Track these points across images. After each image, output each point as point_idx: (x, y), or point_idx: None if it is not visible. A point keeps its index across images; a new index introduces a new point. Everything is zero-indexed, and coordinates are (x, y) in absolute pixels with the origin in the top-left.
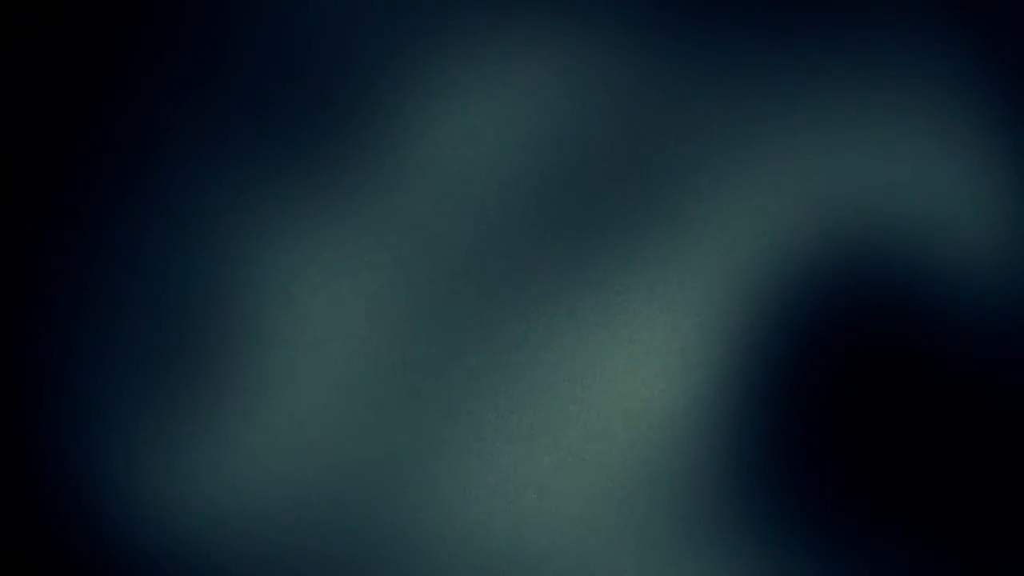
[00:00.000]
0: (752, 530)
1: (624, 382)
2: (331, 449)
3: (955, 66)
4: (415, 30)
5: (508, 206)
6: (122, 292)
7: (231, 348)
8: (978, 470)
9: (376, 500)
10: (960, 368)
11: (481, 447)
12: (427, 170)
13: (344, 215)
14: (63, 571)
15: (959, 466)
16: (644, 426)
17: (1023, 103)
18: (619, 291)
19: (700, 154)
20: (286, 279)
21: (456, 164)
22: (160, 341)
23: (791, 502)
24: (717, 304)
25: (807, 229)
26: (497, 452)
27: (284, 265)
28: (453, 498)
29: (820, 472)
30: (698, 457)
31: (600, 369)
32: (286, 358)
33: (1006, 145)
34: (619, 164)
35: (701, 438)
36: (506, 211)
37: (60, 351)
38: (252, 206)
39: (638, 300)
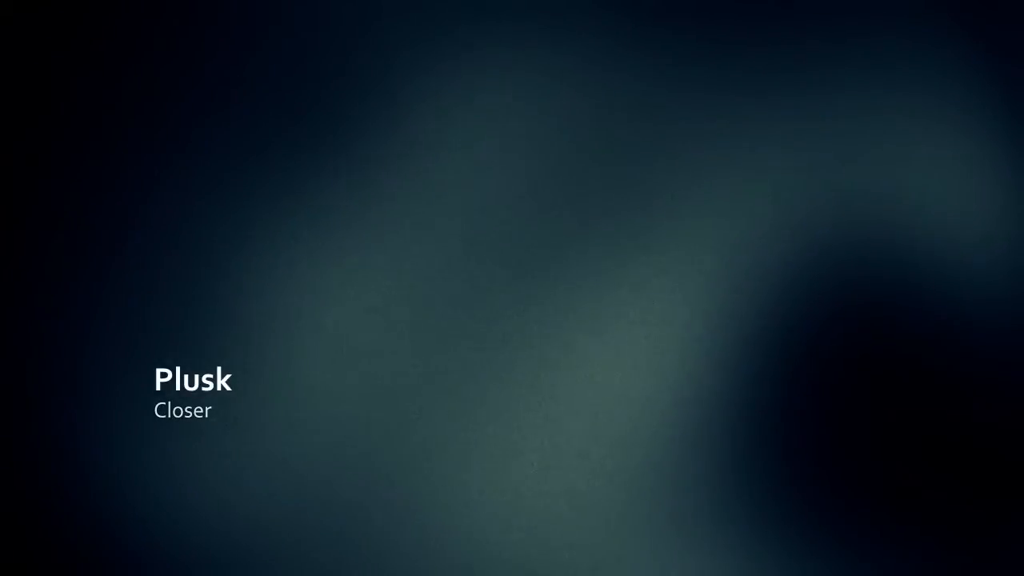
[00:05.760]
0: (753, 529)
1: (625, 381)
2: (333, 453)
3: (956, 68)
4: (414, 32)
5: (505, 209)
6: (124, 293)
7: (231, 348)
8: (977, 469)
9: (375, 502)
10: (960, 368)
11: (481, 447)
12: (427, 172)
13: (345, 217)
14: (65, 570)
15: (958, 466)
16: (645, 426)
17: (1022, 104)
18: (621, 289)
19: (701, 154)
20: (287, 282)
21: (455, 165)
22: (163, 341)
23: (793, 501)
24: (720, 302)
25: (809, 229)
26: (498, 453)
27: (284, 267)
28: (453, 500)
29: (821, 471)
30: (700, 456)
31: (601, 368)
32: (287, 359)
33: (1006, 146)
34: (620, 166)
35: (701, 436)
36: (503, 214)
37: (64, 354)
38: (254, 211)
39: (640, 300)
